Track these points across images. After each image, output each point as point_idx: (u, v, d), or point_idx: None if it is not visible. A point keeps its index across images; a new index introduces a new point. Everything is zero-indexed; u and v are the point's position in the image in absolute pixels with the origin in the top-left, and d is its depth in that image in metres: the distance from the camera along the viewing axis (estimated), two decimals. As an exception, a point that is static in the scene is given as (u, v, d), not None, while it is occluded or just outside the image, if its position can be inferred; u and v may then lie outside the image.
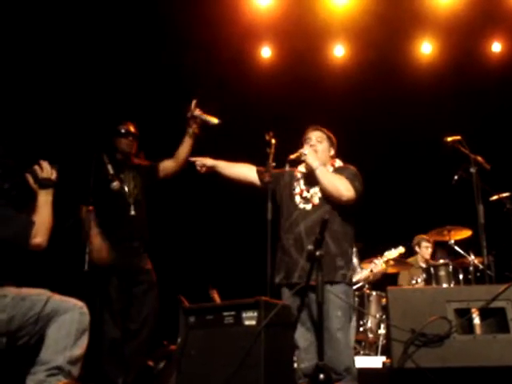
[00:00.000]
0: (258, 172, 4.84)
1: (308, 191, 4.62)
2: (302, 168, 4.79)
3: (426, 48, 9.21)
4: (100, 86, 7.90)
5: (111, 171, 5.25)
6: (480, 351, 3.37)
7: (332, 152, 4.81)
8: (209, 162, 5.03)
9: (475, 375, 3.33)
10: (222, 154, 8.92)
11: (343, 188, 4.52)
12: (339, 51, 9.29)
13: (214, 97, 8.70)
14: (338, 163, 4.78)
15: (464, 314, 3.50)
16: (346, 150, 4.91)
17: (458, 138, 5.38)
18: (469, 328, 3.49)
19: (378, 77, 8.81)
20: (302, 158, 4.59)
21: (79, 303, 3.71)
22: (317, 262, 3.34)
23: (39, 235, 3.70)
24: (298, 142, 4.86)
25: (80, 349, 3.60)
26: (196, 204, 8.98)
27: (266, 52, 9.35)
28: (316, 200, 4.56)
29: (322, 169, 4.56)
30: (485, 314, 3.52)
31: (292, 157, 4.65)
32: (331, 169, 4.69)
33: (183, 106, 8.87)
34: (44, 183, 3.89)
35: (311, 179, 4.65)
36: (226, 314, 3.51)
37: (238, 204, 8.48)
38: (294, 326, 3.88)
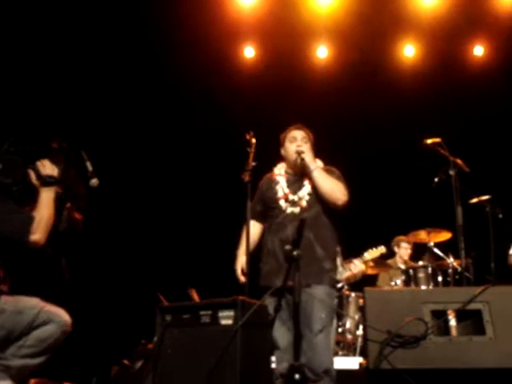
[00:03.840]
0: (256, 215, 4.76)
1: (294, 194, 4.59)
2: (278, 171, 4.77)
3: (409, 51, 9.27)
4: (78, 84, 7.88)
5: (90, 168, 5.19)
6: (456, 353, 3.37)
7: (312, 152, 4.78)
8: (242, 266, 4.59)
9: (451, 377, 3.34)
10: (203, 152, 8.97)
11: (339, 191, 4.55)
12: (322, 52, 9.33)
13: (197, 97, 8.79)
14: (320, 163, 4.76)
15: (440, 316, 3.50)
16: (327, 151, 4.91)
17: (438, 140, 5.40)
18: (445, 330, 3.49)
19: (360, 79, 8.84)
20: (301, 157, 4.56)
21: (68, 321, 3.69)
22: (294, 261, 3.32)
23: (38, 232, 3.66)
24: (278, 140, 4.85)
25: (39, 360, 3.60)
26: (177, 204, 8.96)
27: (249, 52, 9.35)
28: (304, 203, 4.55)
29: (319, 171, 4.56)
30: (461, 315, 3.52)
31: (294, 156, 4.60)
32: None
33: (165, 104, 8.90)
34: (46, 180, 3.85)
35: (295, 182, 4.64)
36: (202, 313, 3.51)
37: (219, 203, 8.48)
38: (270, 326, 3.87)
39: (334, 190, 4.54)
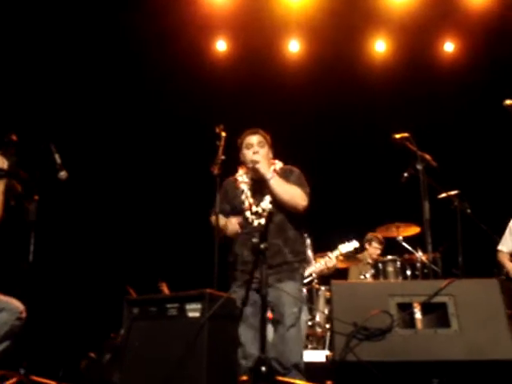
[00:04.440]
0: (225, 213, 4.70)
1: (257, 205, 4.58)
2: (241, 177, 4.75)
3: (380, 46, 9.30)
4: (47, 76, 7.81)
5: (59, 161, 5.14)
6: (421, 345, 3.39)
7: (271, 155, 4.76)
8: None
9: (416, 369, 3.36)
10: (173, 145, 8.94)
11: (298, 197, 4.56)
12: (294, 47, 9.32)
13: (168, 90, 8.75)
14: (279, 164, 4.76)
15: (406, 309, 3.52)
16: (298, 145, 4.93)
17: (406, 135, 5.42)
18: (410, 322, 3.52)
19: (332, 73, 8.87)
20: (256, 167, 4.53)
21: (21, 307, 3.66)
22: (262, 254, 3.33)
23: None
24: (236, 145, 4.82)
25: None
26: (146, 196, 8.93)
27: (221, 45, 9.33)
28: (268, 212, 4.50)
29: (276, 179, 4.54)
30: (427, 308, 3.56)
31: (250, 165, 4.58)
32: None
33: (136, 96, 8.85)
34: None
35: (258, 190, 4.62)
36: (169, 305, 3.50)
37: (189, 197, 8.46)
38: (238, 319, 3.87)
39: (293, 196, 4.55)
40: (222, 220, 4.55)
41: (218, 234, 4.32)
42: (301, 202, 4.55)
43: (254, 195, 4.63)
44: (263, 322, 3.42)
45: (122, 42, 8.53)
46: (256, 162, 4.53)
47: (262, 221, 4.47)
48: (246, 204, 4.61)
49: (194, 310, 3.40)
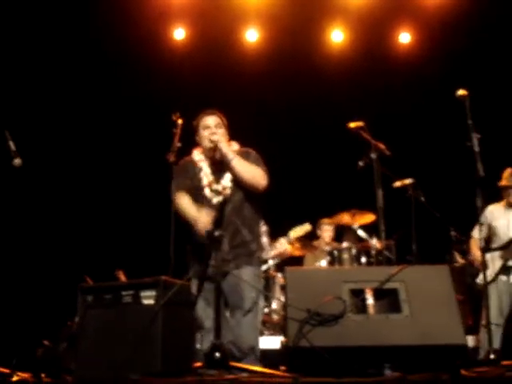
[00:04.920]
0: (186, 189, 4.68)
1: (217, 182, 4.57)
2: (198, 157, 4.73)
3: (338, 36, 9.35)
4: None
5: (13, 148, 5.08)
6: (373, 331, 3.45)
7: (227, 136, 4.75)
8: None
9: (368, 354, 3.42)
10: (129, 133, 8.88)
11: (259, 177, 4.58)
12: (252, 35, 9.31)
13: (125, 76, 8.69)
14: (235, 146, 4.75)
15: (359, 295, 3.59)
16: (255, 133, 4.94)
17: (361, 124, 5.48)
18: (363, 308, 3.58)
19: (289, 62, 8.91)
20: (219, 146, 4.51)
21: None
22: (216, 241, 3.35)
23: None
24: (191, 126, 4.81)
25: None
26: (104, 185, 8.87)
27: (179, 33, 9.27)
28: (228, 191, 4.53)
29: (237, 159, 4.53)
30: (379, 294, 3.62)
31: (209, 145, 4.56)
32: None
33: (93, 82, 8.77)
34: None
35: (218, 169, 4.61)
36: (124, 293, 3.49)
37: (145, 184, 8.42)
38: (193, 306, 3.89)
39: (254, 176, 4.56)
40: (193, 210, 4.50)
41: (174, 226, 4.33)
42: (261, 181, 4.58)
43: (212, 173, 4.62)
44: (218, 308, 3.45)
45: (79, 28, 8.43)
46: (218, 142, 4.52)
47: (221, 198, 4.49)
48: (205, 181, 4.59)
49: (148, 297, 3.40)
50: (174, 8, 8.93)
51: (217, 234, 3.35)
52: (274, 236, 7.31)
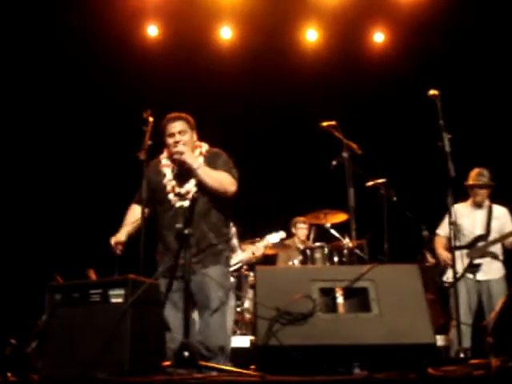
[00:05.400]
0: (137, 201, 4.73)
1: (180, 187, 4.54)
2: (165, 161, 4.69)
3: (312, 35, 9.36)
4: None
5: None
6: (342, 330, 3.45)
7: (195, 137, 4.71)
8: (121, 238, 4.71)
9: (337, 353, 3.42)
10: (102, 131, 8.81)
11: (227, 184, 4.55)
12: (227, 33, 9.29)
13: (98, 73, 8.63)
14: (205, 147, 4.71)
15: (328, 294, 3.59)
16: (228, 132, 4.92)
17: (333, 123, 5.51)
18: (333, 307, 3.58)
19: (263, 60, 8.90)
20: (182, 158, 4.46)
21: None
22: (185, 240, 3.33)
23: None
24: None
25: None
26: (74, 184, 8.80)
27: (152, 30, 9.23)
28: (191, 195, 4.45)
29: (203, 168, 4.48)
30: (348, 293, 3.63)
31: (174, 156, 4.52)
32: (201, 158, 4.61)
33: (65, 79, 8.69)
34: None
35: (182, 173, 4.57)
36: (92, 291, 3.45)
37: (115, 181, 8.35)
38: (162, 304, 3.86)
39: (221, 183, 4.53)
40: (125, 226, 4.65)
41: (143, 222, 4.34)
42: (230, 187, 4.55)
43: (176, 177, 4.58)
44: (187, 307, 3.43)
45: (51, 26, 8.36)
46: (181, 153, 4.46)
47: (185, 203, 4.44)
48: (169, 187, 4.56)
49: (117, 296, 3.37)
50: (147, 5, 8.91)
51: (186, 232, 3.32)
52: (249, 237, 7.31)
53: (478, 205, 6.45)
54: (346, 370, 3.33)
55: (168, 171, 4.63)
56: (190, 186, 4.52)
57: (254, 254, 7.15)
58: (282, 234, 7.29)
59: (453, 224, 4.93)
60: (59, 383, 3.34)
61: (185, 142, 4.56)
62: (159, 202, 4.60)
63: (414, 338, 3.45)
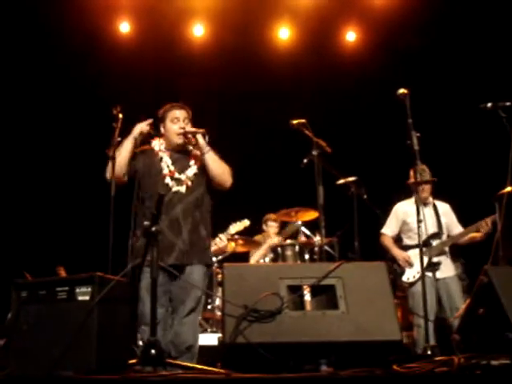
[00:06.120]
0: None
1: (180, 173, 4.56)
2: (159, 146, 4.69)
3: (284, 33, 9.37)
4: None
5: None
6: (310, 327, 3.47)
7: None
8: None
9: (305, 350, 3.44)
10: (71, 127, 8.75)
11: (228, 174, 4.65)
12: (199, 30, 9.27)
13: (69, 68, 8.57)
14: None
15: (296, 291, 3.60)
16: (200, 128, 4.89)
17: (303, 121, 5.52)
18: (300, 304, 3.61)
19: (235, 58, 8.89)
20: (196, 137, 4.53)
21: None
22: (153, 237, 3.32)
23: None
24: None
25: None
26: (44, 180, 8.73)
27: (124, 27, 9.17)
28: (190, 183, 4.54)
29: (212, 153, 4.55)
30: (316, 290, 3.65)
31: (190, 130, 4.58)
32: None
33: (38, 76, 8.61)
34: None
35: (179, 160, 4.61)
36: (59, 289, 3.41)
37: (85, 179, 8.29)
38: (131, 302, 3.85)
39: (225, 171, 4.62)
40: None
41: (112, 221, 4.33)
42: (229, 178, 4.65)
43: (174, 163, 4.60)
44: (153, 304, 3.41)
45: (23, 19, 8.29)
46: (195, 133, 4.55)
47: (182, 188, 4.51)
48: (166, 171, 4.57)
49: (83, 294, 3.34)
50: (120, 1, 8.85)
51: (153, 229, 3.31)
52: (215, 231, 7.30)
53: (423, 202, 6.35)
54: (313, 367, 3.34)
55: (165, 156, 4.65)
56: (190, 174, 4.57)
57: (216, 244, 7.09)
58: (245, 222, 7.28)
59: (421, 221, 4.95)
60: (26, 381, 3.31)
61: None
62: (152, 184, 4.56)
63: (381, 334, 3.48)
